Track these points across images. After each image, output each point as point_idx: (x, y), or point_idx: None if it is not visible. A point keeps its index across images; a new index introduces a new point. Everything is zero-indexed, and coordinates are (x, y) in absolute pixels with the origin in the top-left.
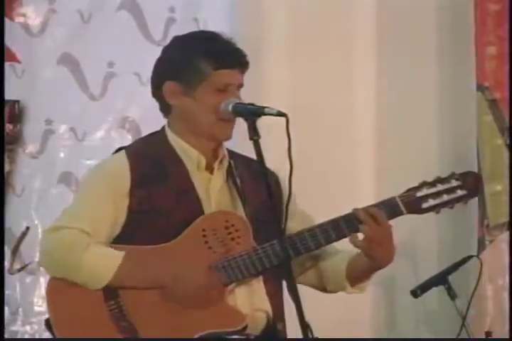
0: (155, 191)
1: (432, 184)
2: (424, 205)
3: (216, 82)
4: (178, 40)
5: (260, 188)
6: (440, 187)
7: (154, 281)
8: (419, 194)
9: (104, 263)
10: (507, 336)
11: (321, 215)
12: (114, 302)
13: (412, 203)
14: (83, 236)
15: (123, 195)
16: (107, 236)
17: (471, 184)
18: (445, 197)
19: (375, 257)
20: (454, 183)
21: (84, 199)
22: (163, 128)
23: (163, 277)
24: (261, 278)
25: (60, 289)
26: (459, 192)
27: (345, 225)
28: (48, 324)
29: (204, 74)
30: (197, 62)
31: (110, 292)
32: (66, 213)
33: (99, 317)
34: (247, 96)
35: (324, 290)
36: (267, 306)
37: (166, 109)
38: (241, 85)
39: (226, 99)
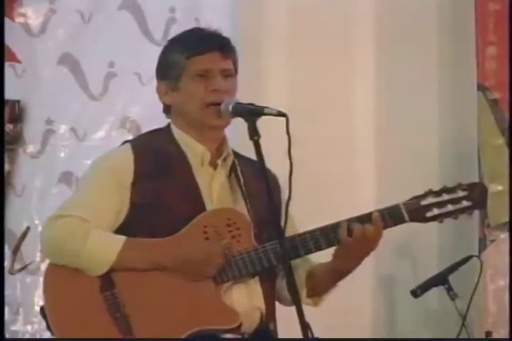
0: (157, 185)
1: (438, 193)
2: (428, 214)
3: (192, 70)
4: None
5: (263, 188)
6: (446, 196)
7: (159, 259)
8: (423, 202)
9: (107, 245)
10: (507, 336)
11: (321, 215)
12: (110, 293)
13: (415, 211)
14: (84, 223)
15: (126, 187)
16: (109, 226)
17: (478, 195)
18: (450, 207)
19: (344, 257)
20: (460, 193)
21: (86, 189)
22: (168, 124)
23: (168, 252)
24: (257, 277)
25: (58, 278)
26: (465, 203)
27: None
28: (43, 312)
29: (180, 66)
30: (172, 56)
31: (106, 283)
32: (68, 202)
33: (94, 306)
34: (247, 96)
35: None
36: (262, 305)
37: (166, 109)
38: (226, 70)
39: (208, 84)
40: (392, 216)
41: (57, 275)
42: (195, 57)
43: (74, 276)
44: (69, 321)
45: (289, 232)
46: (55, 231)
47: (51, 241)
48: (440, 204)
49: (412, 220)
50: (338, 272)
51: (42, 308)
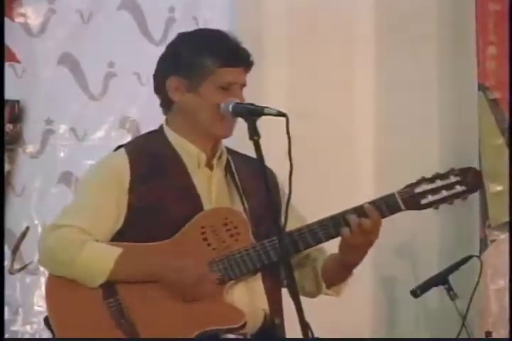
0: (154, 188)
1: (431, 180)
2: (423, 201)
3: (220, 80)
4: (184, 36)
5: (259, 185)
6: (439, 182)
7: (152, 275)
8: (417, 190)
9: (100, 259)
10: (507, 336)
11: (321, 215)
12: (114, 300)
13: (410, 199)
14: (81, 234)
15: (124, 192)
16: (108, 234)
17: (471, 179)
18: (444, 193)
19: (348, 250)
20: (453, 179)
21: (83, 197)
22: (161, 126)
23: (160, 270)
24: (259, 274)
25: (59, 287)
26: (458, 188)
27: (344, 222)
28: (47, 322)
29: (209, 71)
30: (202, 58)
31: (109, 289)
32: (66, 211)
33: (98, 314)
34: (247, 96)
35: (302, 292)
36: (265, 303)
37: (166, 105)
38: (244, 85)
39: (229, 97)
40: (388, 205)
41: (59, 284)
42: (226, 68)
43: (76, 285)
44: (74, 330)
45: (294, 226)
46: (53, 240)
47: (49, 250)
48: (434, 191)
49: (408, 208)
50: (345, 265)
51: (46, 319)
